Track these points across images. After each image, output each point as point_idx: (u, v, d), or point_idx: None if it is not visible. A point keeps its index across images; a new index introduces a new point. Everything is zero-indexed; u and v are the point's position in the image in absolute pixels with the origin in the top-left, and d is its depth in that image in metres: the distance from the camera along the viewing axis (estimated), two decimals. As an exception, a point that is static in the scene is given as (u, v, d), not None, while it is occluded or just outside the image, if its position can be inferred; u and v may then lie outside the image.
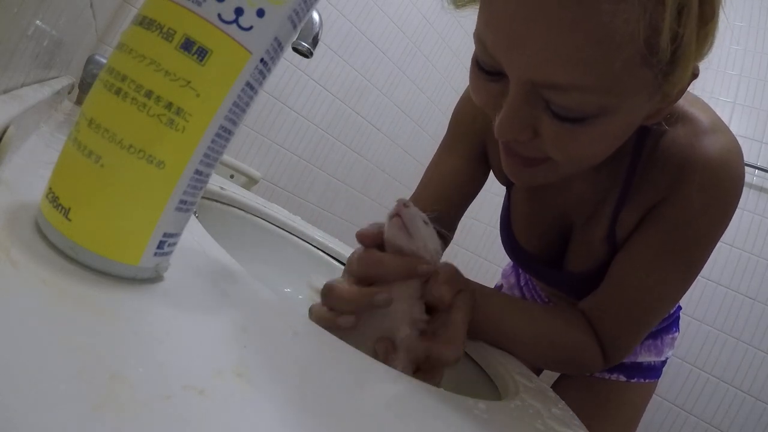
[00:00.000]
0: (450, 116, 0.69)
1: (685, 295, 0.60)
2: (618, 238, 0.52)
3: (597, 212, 0.54)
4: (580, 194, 0.55)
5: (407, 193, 0.65)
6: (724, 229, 0.48)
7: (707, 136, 0.44)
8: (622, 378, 0.68)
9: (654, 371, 0.69)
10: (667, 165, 0.46)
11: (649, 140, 0.47)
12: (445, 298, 0.35)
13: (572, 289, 0.58)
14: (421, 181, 0.65)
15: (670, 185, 0.46)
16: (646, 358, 0.69)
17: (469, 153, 0.62)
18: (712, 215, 0.46)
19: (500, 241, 0.69)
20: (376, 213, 1.90)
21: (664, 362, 0.70)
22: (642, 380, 0.68)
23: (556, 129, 0.36)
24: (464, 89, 0.63)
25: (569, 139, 0.36)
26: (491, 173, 0.66)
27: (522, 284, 0.82)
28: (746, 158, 1.34)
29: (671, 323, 0.71)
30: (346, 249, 0.70)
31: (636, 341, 0.53)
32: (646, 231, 0.49)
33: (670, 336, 0.71)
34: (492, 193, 1.88)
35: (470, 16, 0.39)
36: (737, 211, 0.46)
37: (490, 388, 0.46)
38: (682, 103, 0.46)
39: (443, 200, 0.61)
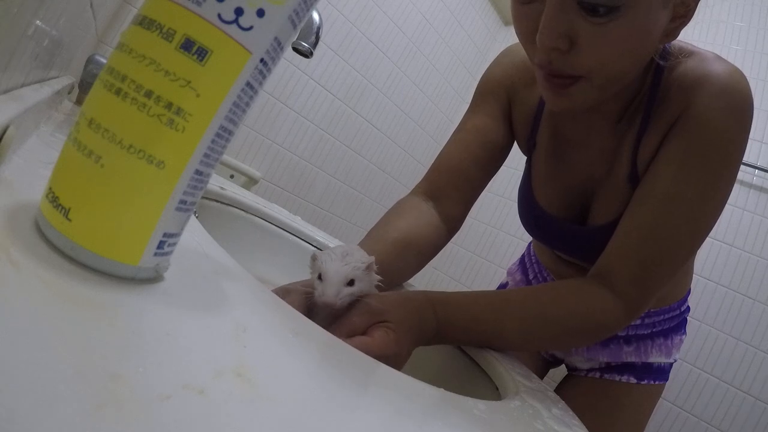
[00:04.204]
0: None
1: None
2: (640, 172, 0.53)
3: (618, 158, 0.55)
4: (600, 147, 0.56)
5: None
6: (740, 146, 0.48)
7: (716, 61, 0.50)
8: (633, 380, 0.68)
9: (663, 373, 0.69)
10: (681, 87, 0.49)
11: (664, 76, 0.51)
12: (357, 328, 0.39)
13: (595, 246, 0.56)
14: (444, 146, 0.65)
15: (684, 102, 0.49)
16: (656, 358, 0.69)
17: (495, 111, 0.63)
18: (727, 123, 0.47)
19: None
20: (377, 213, 1.90)
21: (671, 365, 0.70)
22: (652, 382, 0.68)
23: (588, 29, 0.41)
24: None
25: (600, 38, 0.41)
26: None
27: (531, 278, 0.81)
28: (746, 158, 1.34)
29: (680, 323, 0.71)
30: (346, 249, 0.70)
31: (659, 281, 0.49)
32: (664, 151, 0.50)
33: (679, 337, 0.71)
34: (492, 193, 1.88)
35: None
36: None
37: (490, 388, 0.46)
38: (691, 47, 0.52)
39: (469, 158, 0.62)
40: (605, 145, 0.56)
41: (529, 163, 0.67)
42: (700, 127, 0.47)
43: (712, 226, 0.51)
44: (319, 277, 0.38)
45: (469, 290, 0.51)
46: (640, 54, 0.45)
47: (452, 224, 0.63)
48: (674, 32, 0.46)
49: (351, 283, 0.38)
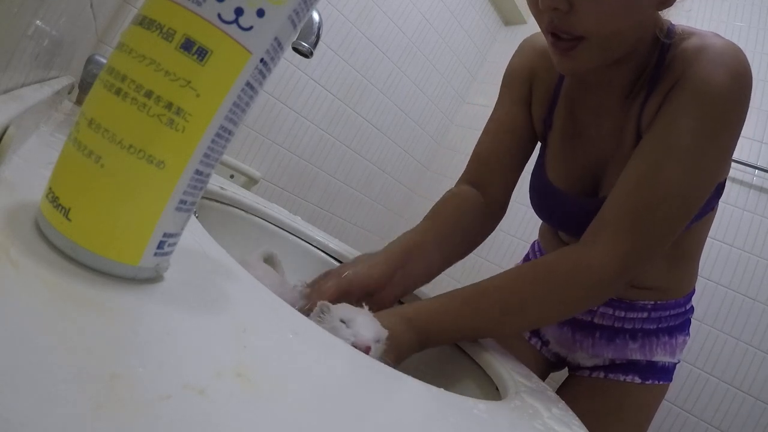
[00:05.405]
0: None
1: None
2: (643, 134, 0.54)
3: (626, 130, 0.57)
4: (611, 123, 0.59)
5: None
6: (738, 106, 0.49)
7: (714, 36, 0.53)
8: (637, 379, 0.68)
9: (667, 373, 0.69)
10: (682, 57, 0.52)
11: (668, 53, 0.54)
12: None
13: None
14: (480, 137, 0.70)
15: (684, 68, 0.51)
16: (661, 357, 0.69)
17: (519, 97, 0.67)
18: (723, 81, 0.48)
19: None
20: (377, 213, 1.90)
21: (675, 365, 0.70)
22: (656, 382, 0.68)
23: None
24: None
25: (596, 1, 0.45)
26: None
27: None
28: (746, 158, 1.35)
29: (684, 322, 0.71)
30: (346, 249, 0.70)
31: (653, 229, 0.48)
32: (662, 110, 0.51)
33: (683, 338, 0.71)
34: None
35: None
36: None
37: (490, 388, 0.46)
38: (694, 29, 0.55)
39: (500, 147, 0.67)
40: (615, 121, 0.58)
41: (543, 147, 0.69)
42: (697, 85, 0.49)
43: (711, 184, 0.50)
44: (342, 322, 0.37)
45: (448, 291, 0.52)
46: (633, 16, 0.48)
47: (497, 206, 0.68)
48: (667, 1, 0.49)
49: (377, 341, 0.38)
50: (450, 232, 0.60)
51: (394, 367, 0.38)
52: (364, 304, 0.43)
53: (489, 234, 0.68)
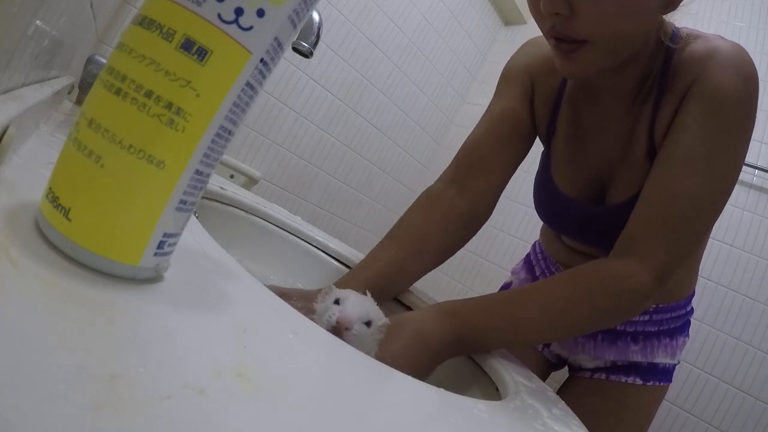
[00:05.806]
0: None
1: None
2: (657, 146, 0.54)
3: (635, 136, 0.57)
4: (617, 128, 0.58)
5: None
6: (751, 109, 0.49)
7: (720, 39, 0.53)
8: (639, 381, 0.68)
9: (667, 374, 0.69)
10: (690, 62, 0.52)
11: (674, 57, 0.54)
12: None
13: (613, 227, 0.55)
14: (472, 131, 0.66)
15: (694, 73, 0.51)
16: (662, 359, 0.69)
17: (520, 94, 0.65)
18: (737, 86, 0.49)
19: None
20: (376, 213, 1.90)
21: (674, 366, 0.70)
22: (657, 383, 0.68)
23: None
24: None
25: (595, 2, 0.45)
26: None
27: (537, 275, 0.81)
28: (746, 158, 1.34)
29: (684, 324, 0.71)
30: (346, 249, 0.70)
31: (685, 242, 0.49)
32: (679, 119, 0.51)
33: (683, 339, 0.71)
34: (492, 193, 1.88)
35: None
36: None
37: (490, 388, 0.46)
38: (698, 32, 0.55)
39: (496, 138, 0.64)
40: (622, 126, 0.58)
41: (547, 151, 0.68)
42: (711, 92, 0.49)
43: (732, 187, 0.51)
44: (336, 302, 0.36)
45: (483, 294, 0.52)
46: (636, 19, 0.48)
47: (482, 206, 0.63)
48: (673, 2, 0.49)
49: (368, 324, 0.36)
50: (413, 258, 0.58)
51: (416, 372, 0.38)
52: (367, 291, 0.42)
53: (468, 240, 0.64)
